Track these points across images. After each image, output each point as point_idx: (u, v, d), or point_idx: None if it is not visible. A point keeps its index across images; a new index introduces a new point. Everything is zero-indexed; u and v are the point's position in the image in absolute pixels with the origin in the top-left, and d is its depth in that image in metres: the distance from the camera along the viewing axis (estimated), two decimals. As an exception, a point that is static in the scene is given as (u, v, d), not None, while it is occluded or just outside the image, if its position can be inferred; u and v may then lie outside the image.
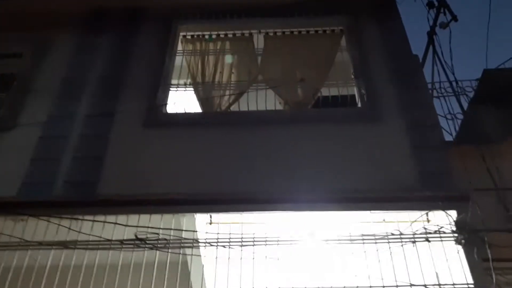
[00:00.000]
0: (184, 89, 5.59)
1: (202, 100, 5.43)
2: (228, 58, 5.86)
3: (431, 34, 5.99)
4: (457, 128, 5.46)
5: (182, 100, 5.44)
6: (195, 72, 5.72)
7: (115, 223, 3.93)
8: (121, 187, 4.45)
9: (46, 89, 5.43)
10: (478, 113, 5.66)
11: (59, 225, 4.00)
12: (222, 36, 6.14)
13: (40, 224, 4.09)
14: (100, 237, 3.94)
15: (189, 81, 5.64)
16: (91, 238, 3.98)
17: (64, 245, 3.94)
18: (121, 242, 3.90)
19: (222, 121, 5.18)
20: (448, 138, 5.04)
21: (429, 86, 5.62)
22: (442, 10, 6.06)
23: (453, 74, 5.44)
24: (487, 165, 4.49)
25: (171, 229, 3.98)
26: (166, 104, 5.29)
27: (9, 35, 6.15)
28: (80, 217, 4.08)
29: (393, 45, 5.69)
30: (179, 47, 6.09)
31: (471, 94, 5.71)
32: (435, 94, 5.51)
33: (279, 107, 5.38)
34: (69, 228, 3.98)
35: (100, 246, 3.93)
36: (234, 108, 5.41)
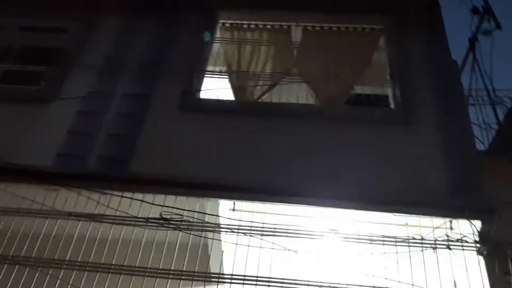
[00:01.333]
0: (219, 76, 5.65)
1: (235, 89, 5.50)
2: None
3: (472, 40, 5.87)
4: (490, 138, 5.36)
5: (217, 87, 5.51)
6: (231, 60, 5.78)
7: (142, 201, 4.04)
8: (151, 166, 4.57)
9: (88, 66, 5.58)
10: (513, 125, 5.54)
11: (88, 198, 4.14)
12: (260, 26, 6.17)
13: (71, 196, 4.24)
14: (127, 213, 4.06)
15: (224, 68, 5.69)
16: (118, 213, 4.11)
17: (92, 217, 4.08)
18: (147, 220, 4.01)
19: (254, 111, 5.23)
20: (480, 147, 4.96)
21: (466, 93, 5.52)
22: (486, 17, 5.92)
23: (491, 83, 5.33)
24: (517, 179, 4.41)
25: (195, 211, 4.06)
26: (201, 89, 5.37)
27: (57, 11, 6.33)
28: (109, 192, 4.20)
29: (432, 48, 5.60)
30: (218, 34, 6.15)
31: (509, 105, 5.58)
32: (471, 101, 5.41)
33: (311, 101, 5.39)
34: (98, 202, 4.11)
35: (126, 222, 4.06)
36: (266, 99, 5.45)
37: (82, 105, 5.15)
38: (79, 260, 3.91)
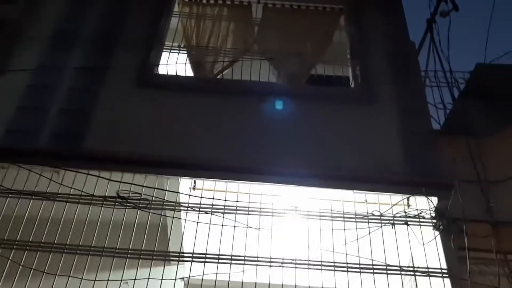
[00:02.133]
0: (177, 51, 5.48)
1: (194, 64, 5.35)
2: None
3: (430, 21, 5.96)
4: (443, 118, 5.50)
5: (174, 63, 5.34)
6: (190, 35, 5.61)
7: (99, 176, 3.87)
8: (106, 143, 4.39)
9: (38, 38, 5.26)
10: (467, 105, 5.69)
11: (40, 175, 3.93)
12: (220, 2, 6.02)
13: (21, 173, 4.02)
14: (82, 191, 3.89)
15: (183, 44, 5.53)
16: (72, 191, 3.93)
17: (44, 196, 3.88)
18: (103, 198, 3.85)
19: (214, 88, 5.11)
20: (436, 127, 5.06)
21: (423, 74, 5.61)
22: (443, -1, 6.03)
23: (449, 64, 5.44)
24: (472, 157, 4.53)
25: (154, 188, 3.95)
26: (158, 65, 5.19)
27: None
28: (63, 169, 4.00)
29: (391, 29, 5.67)
30: (176, 8, 5.96)
31: (463, 86, 5.73)
32: (428, 82, 5.51)
33: (273, 79, 5.33)
34: (51, 179, 3.91)
35: (81, 200, 3.88)
36: (227, 76, 5.34)
37: (33, 79, 4.85)
38: (30, 240, 3.72)
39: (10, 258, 3.59)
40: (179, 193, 4.05)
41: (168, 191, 3.97)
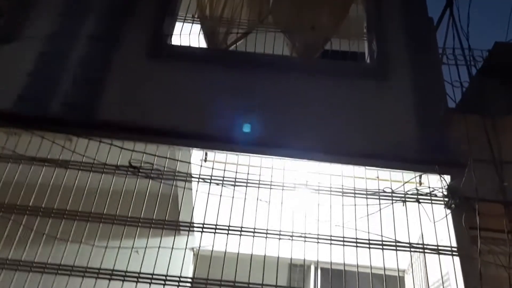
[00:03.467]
0: (191, 22, 5.41)
1: (208, 35, 5.28)
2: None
3: (449, -2, 5.80)
4: (460, 96, 5.39)
5: (188, 33, 5.28)
6: (204, 5, 5.53)
7: (111, 144, 3.87)
8: (119, 112, 4.39)
9: (50, 4, 5.22)
10: (484, 83, 5.57)
11: (53, 142, 3.94)
12: (235, -28, 5.90)
13: (34, 141, 4.05)
14: (94, 159, 3.90)
15: (196, 14, 5.45)
16: (84, 159, 3.95)
17: (56, 163, 3.90)
18: (115, 167, 3.87)
19: (227, 60, 5.05)
20: (452, 105, 4.97)
21: (440, 51, 5.49)
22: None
23: (468, 41, 5.31)
24: (488, 136, 4.46)
25: (166, 157, 3.94)
26: (171, 35, 5.14)
27: None
28: (75, 138, 4.01)
29: (409, 3, 5.53)
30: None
31: (480, 64, 5.60)
32: (445, 60, 5.40)
33: (287, 52, 5.26)
34: (63, 147, 3.92)
35: (93, 169, 3.90)
36: (240, 48, 5.28)
37: (44, 46, 4.82)
38: (43, 206, 3.76)
39: (23, 223, 3.63)
40: (190, 163, 4.04)
41: (180, 161, 3.96)
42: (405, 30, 5.30)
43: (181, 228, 3.85)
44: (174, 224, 3.77)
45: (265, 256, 3.62)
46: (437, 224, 3.93)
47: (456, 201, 3.92)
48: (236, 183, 3.97)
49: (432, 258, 3.94)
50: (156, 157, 4.01)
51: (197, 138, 4.19)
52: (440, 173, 4.08)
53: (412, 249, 3.82)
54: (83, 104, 4.43)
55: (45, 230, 3.60)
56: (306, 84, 4.78)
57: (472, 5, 5.71)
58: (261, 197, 3.98)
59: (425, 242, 3.96)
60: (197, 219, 4.10)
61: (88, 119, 4.27)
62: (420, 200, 4.03)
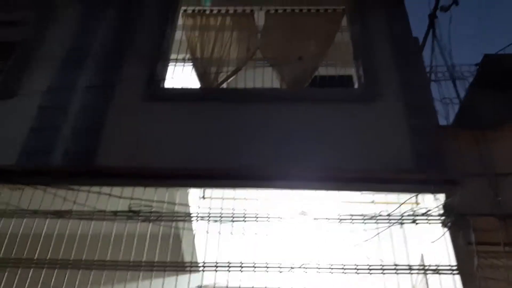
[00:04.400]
0: (183, 64, 5.60)
1: (200, 75, 5.46)
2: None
3: (431, 17, 5.95)
4: (453, 113, 5.48)
5: (181, 75, 5.46)
6: (195, 47, 5.72)
7: (110, 194, 3.99)
8: (117, 158, 4.52)
9: (49, 58, 5.46)
10: (476, 98, 5.66)
11: (55, 194, 4.08)
12: (223, 11, 6.12)
13: (36, 193, 4.17)
14: (95, 207, 4.02)
15: (188, 56, 5.64)
16: (85, 208, 4.07)
17: (59, 214, 4.03)
18: (115, 213, 3.98)
19: (219, 97, 5.20)
20: (443, 122, 5.06)
21: (428, 69, 5.61)
22: (444, -6, 6.02)
23: (451, 58, 5.43)
24: (480, 150, 4.51)
25: (164, 202, 4.05)
26: (164, 78, 5.32)
27: (14, 2, 6.16)
28: (76, 188, 4.14)
29: (393, 26, 5.66)
30: (180, 21, 6.08)
31: (470, 79, 5.70)
32: (433, 77, 5.50)
33: (277, 84, 5.40)
34: (65, 198, 4.05)
35: (94, 217, 4.02)
36: (231, 84, 5.44)
37: (44, 99, 5.03)
38: (48, 258, 3.86)
39: (30, 277, 3.73)
40: (188, 205, 4.14)
41: (177, 204, 4.06)
42: (391, 52, 5.43)
43: (182, 268, 3.91)
44: (174, 265, 3.84)
45: (266, 289, 3.67)
46: (436, 243, 3.96)
47: (452, 219, 3.95)
48: (234, 219, 4.04)
49: (435, 278, 3.95)
50: (155, 199, 4.10)
51: (194, 178, 4.29)
52: (435, 191, 4.12)
53: (412, 271, 3.84)
54: (83, 154, 4.58)
55: (51, 281, 3.69)
56: (297, 113, 4.89)
57: (456, 22, 5.85)
58: (260, 229, 4.05)
59: (426, 262, 3.98)
60: (200, 255, 4.18)
61: (88, 168, 4.41)
62: (417, 221, 4.07)
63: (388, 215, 4.10)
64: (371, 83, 5.14)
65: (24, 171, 4.35)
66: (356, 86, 5.33)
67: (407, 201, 4.20)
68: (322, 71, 5.45)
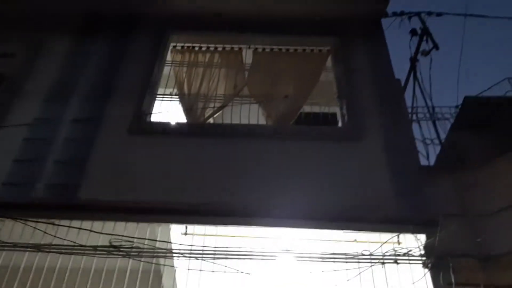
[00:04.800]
0: (170, 99, 5.66)
1: (186, 110, 5.52)
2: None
3: (413, 60, 6.14)
4: (434, 153, 5.58)
5: (167, 110, 5.51)
6: (182, 82, 5.81)
7: (90, 230, 3.96)
8: (100, 193, 4.50)
9: (35, 91, 5.49)
10: (456, 139, 5.77)
11: (35, 228, 4.03)
12: (211, 48, 6.25)
13: (16, 226, 4.13)
14: (75, 242, 3.98)
15: (175, 91, 5.72)
16: (65, 242, 4.02)
17: (38, 248, 3.98)
18: (95, 248, 3.94)
19: (205, 133, 5.25)
20: (424, 162, 5.14)
21: (409, 110, 5.74)
22: (424, 38, 6.22)
23: (431, 100, 5.58)
24: (460, 191, 4.58)
25: (145, 238, 4.03)
26: (151, 113, 5.36)
27: (3, 34, 6.23)
28: (56, 222, 4.11)
29: (377, 68, 5.82)
30: (169, 57, 6.18)
31: (451, 120, 5.83)
32: (414, 118, 5.63)
33: (262, 120, 5.47)
34: (45, 232, 4.01)
35: (74, 251, 3.97)
36: (218, 120, 5.50)
37: (29, 132, 5.03)
38: (25, 292, 3.80)
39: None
40: (169, 242, 4.12)
41: (158, 241, 4.04)
42: (374, 93, 5.56)
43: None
44: (154, 302, 3.80)
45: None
46: (418, 284, 3.97)
47: (433, 259, 3.98)
48: (216, 256, 4.02)
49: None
50: (136, 234, 4.08)
51: (176, 214, 4.29)
52: (416, 232, 4.17)
53: (393, 312, 3.83)
54: (65, 187, 4.56)
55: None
56: (282, 150, 4.95)
57: (437, 65, 6.04)
58: (242, 268, 4.03)
59: (407, 303, 3.97)
60: (181, 294, 4.13)
61: (70, 202, 4.38)
62: (398, 261, 4.09)
63: (370, 254, 4.12)
64: (354, 123, 5.24)
65: (4, 203, 4.31)
66: (340, 124, 5.41)
67: (389, 241, 4.23)
68: (307, 108, 5.54)
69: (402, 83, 5.95)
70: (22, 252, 4.04)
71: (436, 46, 6.04)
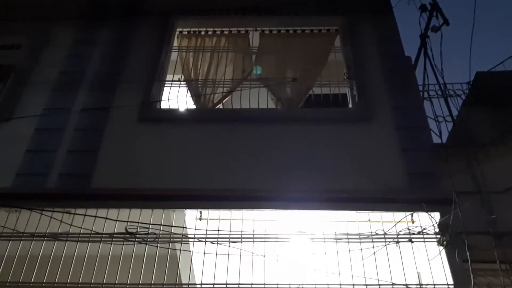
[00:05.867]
0: (178, 85, 5.65)
1: (195, 96, 5.51)
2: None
3: (423, 37, 6.06)
4: (446, 131, 5.53)
5: (176, 96, 5.51)
6: (189, 68, 5.79)
7: (106, 218, 4.00)
8: (113, 181, 4.53)
9: (43, 81, 5.51)
10: (468, 116, 5.72)
11: (51, 217, 4.08)
12: (218, 32, 6.21)
13: (33, 215, 4.17)
14: (91, 230, 4.02)
15: (183, 77, 5.70)
16: (82, 230, 4.07)
17: (55, 237, 4.03)
18: (111, 235, 3.98)
19: (215, 118, 5.25)
20: (437, 140, 5.10)
21: (421, 88, 5.67)
22: (434, 14, 6.12)
23: (442, 77, 5.51)
24: (473, 168, 4.55)
25: (160, 224, 4.06)
26: (160, 100, 5.36)
27: (9, 26, 6.23)
28: (72, 210, 4.15)
29: (386, 46, 5.76)
30: (175, 43, 6.15)
31: (462, 97, 5.77)
32: (426, 96, 5.57)
33: (271, 104, 5.45)
34: (61, 221, 4.05)
35: (91, 239, 4.02)
36: (227, 105, 5.48)
37: (39, 123, 5.05)
38: (44, 281, 3.85)
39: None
40: (185, 227, 4.15)
41: (174, 226, 4.07)
42: (384, 72, 5.50)
43: (180, 290, 3.91)
44: (173, 286, 3.84)
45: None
46: (433, 262, 3.97)
47: (448, 237, 3.97)
48: (231, 240, 4.05)
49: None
50: (151, 221, 4.11)
51: (190, 199, 4.32)
52: (430, 210, 4.16)
53: (409, 290, 3.84)
54: (78, 176, 4.60)
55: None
56: (293, 134, 4.94)
57: (448, 41, 5.95)
58: (257, 250, 4.05)
59: (423, 281, 3.99)
60: (198, 277, 4.17)
61: (83, 191, 4.42)
62: (413, 240, 4.09)
63: (384, 234, 4.12)
64: (364, 103, 5.21)
65: (19, 194, 4.36)
66: (350, 105, 5.38)
67: (403, 220, 4.23)
68: (316, 90, 5.50)
69: (413, 60, 5.87)
70: (39, 241, 4.09)
71: (446, 22, 5.93)
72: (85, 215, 4.07)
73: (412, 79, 5.49)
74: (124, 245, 4.01)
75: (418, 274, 4.06)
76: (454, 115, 5.67)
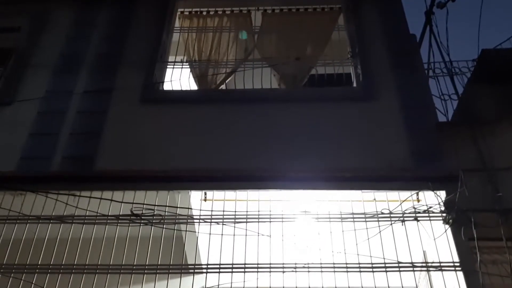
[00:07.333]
0: (181, 66, 5.60)
1: (198, 77, 5.46)
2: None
3: (428, 14, 5.97)
4: (452, 109, 5.49)
5: (179, 77, 5.46)
6: (192, 49, 5.73)
7: (111, 200, 4.00)
8: (117, 162, 4.52)
9: (44, 64, 5.46)
10: (474, 94, 5.66)
11: (56, 200, 4.08)
12: (220, 12, 6.13)
13: (38, 198, 4.18)
14: (97, 212, 4.02)
15: (185, 58, 5.65)
16: (87, 213, 4.08)
17: (61, 219, 4.04)
18: (117, 217, 3.99)
19: (218, 99, 5.22)
20: (442, 118, 5.06)
21: (426, 66, 5.61)
22: (440, -10, 6.03)
23: (448, 55, 5.44)
24: (478, 146, 4.52)
25: (165, 206, 4.06)
26: (162, 81, 5.32)
27: (8, 8, 6.16)
28: (77, 193, 4.15)
29: (391, 24, 5.67)
30: (177, 23, 6.08)
31: (468, 75, 5.70)
32: (431, 74, 5.51)
33: (275, 83, 5.40)
34: (66, 203, 4.06)
35: (97, 221, 4.03)
36: (230, 85, 5.44)
37: (42, 105, 5.03)
38: (51, 263, 3.87)
39: (33, 282, 3.74)
40: (190, 208, 4.15)
41: (179, 207, 4.07)
42: (389, 50, 5.43)
43: (187, 270, 3.92)
44: (178, 268, 3.86)
45: (270, 289, 3.69)
46: (439, 240, 3.97)
47: (454, 215, 3.96)
48: (236, 220, 4.05)
49: (438, 274, 3.96)
50: (156, 202, 4.12)
51: (195, 180, 4.31)
52: (435, 188, 4.13)
53: (415, 269, 3.85)
54: (82, 158, 4.59)
55: (55, 286, 3.70)
56: (296, 113, 4.90)
57: (453, 18, 5.86)
58: (262, 231, 4.05)
59: (428, 259, 3.99)
60: (204, 257, 4.19)
61: (87, 173, 4.42)
62: (419, 218, 4.08)
63: (390, 213, 4.11)
64: (368, 82, 5.15)
65: (24, 177, 4.36)
66: (354, 84, 5.32)
67: (408, 198, 4.22)
68: (320, 69, 5.44)
69: (418, 38, 5.79)
70: (45, 224, 4.10)
71: (452, -3, 5.85)
72: (90, 197, 4.07)
73: (417, 57, 5.42)
74: (130, 227, 4.02)
75: (424, 252, 4.05)
76: (460, 93, 5.63)
